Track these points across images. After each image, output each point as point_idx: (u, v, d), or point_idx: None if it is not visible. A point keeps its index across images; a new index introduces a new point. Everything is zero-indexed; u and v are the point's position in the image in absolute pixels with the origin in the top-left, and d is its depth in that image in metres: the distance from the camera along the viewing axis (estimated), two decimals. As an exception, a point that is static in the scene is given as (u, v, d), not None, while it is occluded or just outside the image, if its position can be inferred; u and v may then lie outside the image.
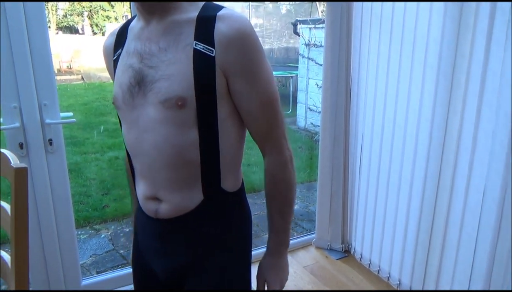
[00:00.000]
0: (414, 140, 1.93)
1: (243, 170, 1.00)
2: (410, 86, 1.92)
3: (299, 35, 6.39)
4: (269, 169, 0.93)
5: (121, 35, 0.94)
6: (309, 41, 6.08)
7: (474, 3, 1.58)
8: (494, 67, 1.55)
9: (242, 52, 0.80)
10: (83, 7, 15.57)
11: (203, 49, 0.79)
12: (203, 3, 0.85)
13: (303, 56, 6.25)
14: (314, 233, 2.63)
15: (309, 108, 6.22)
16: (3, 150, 1.04)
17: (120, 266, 2.64)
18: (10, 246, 0.97)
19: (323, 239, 2.58)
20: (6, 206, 1.04)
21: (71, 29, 15.72)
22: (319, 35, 5.82)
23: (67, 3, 15.18)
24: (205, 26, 0.80)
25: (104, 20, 16.03)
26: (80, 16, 15.97)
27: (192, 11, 0.83)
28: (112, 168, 4.58)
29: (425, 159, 1.88)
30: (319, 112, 2.51)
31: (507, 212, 1.57)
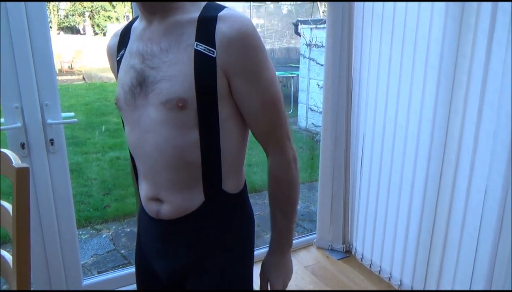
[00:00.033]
0: (415, 140, 1.93)
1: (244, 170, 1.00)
2: (412, 86, 1.91)
3: (300, 36, 6.38)
4: (272, 169, 0.92)
5: (124, 36, 0.94)
6: (310, 42, 6.08)
7: (475, 3, 1.58)
8: (495, 67, 1.55)
9: (243, 52, 0.79)
10: (85, 7, 15.60)
11: (204, 50, 0.79)
12: (205, 3, 0.85)
13: (304, 57, 6.24)
14: (315, 233, 2.63)
15: (310, 108, 6.22)
16: (4, 150, 1.04)
17: (121, 266, 2.64)
18: (11, 246, 0.97)
19: (324, 239, 2.57)
20: (8, 206, 1.04)
21: (73, 30, 15.75)
22: (320, 35, 5.82)
23: (69, 3, 15.21)
24: (206, 27, 0.80)
25: (106, 20, 16.06)
26: (81, 17, 15.99)
27: (194, 11, 0.83)
28: (113, 168, 4.58)
29: (427, 158, 1.88)
30: (320, 112, 2.51)
31: (508, 212, 1.57)
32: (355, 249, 2.48)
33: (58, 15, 15.28)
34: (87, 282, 2.05)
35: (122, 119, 0.95)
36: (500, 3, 1.49)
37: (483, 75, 1.58)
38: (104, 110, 6.93)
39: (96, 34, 15.94)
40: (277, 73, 0.91)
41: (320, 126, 2.52)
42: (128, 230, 3.21)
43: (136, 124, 0.88)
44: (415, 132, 1.92)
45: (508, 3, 1.47)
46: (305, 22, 6.36)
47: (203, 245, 0.92)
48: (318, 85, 5.90)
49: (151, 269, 1.00)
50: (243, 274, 0.97)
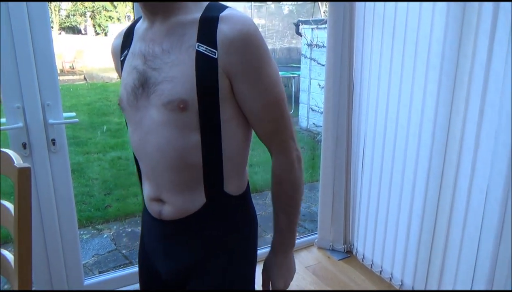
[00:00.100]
0: (416, 140, 1.93)
1: (245, 170, 0.99)
2: (413, 86, 1.91)
3: (301, 36, 6.38)
4: (275, 169, 0.92)
5: (128, 36, 0.94)
6: (311, 42, 6.08)
7: (477, 3, 1.58)
8: (497, 67, 1.54)
9: (245, 53, 0.78)
10: (86, 7, 15.62)
11: (205, 51, 0.79)
12: (207, 3, 0.84)
13: (305, 57, 6.24)
14: (316, 233, 2.63)
15: (311, 108, 6.22)
16: (6, 150, 1.05)
17: (122, 266, 2.64)
18: (13, 246, 0.98)
19: (325, 240, 2.57)
20: (10, 206, 1.04)
21: (74, 30, 15.77)
22: (321, 35, 5.82)
23: (70, 3, 15.23)
24: (208, 28, 0.79)
25: (107, 20, 16.08)
26: (82, 17, 16.01)
27: (196, 12, 0.82)
28: (115, 168, 4.59)
29: (428, 159, 1.88)
30: (321, 112, 2.51)
31: (509, 212, 1.57)
32: (356, 249, 2.48)
33: (60, 15, 15.30)
34: (88, 282, 2.05)
35: (125, 120, 0.95)
36: (502, 3, 1.49)
37: (485, 75, 1.58)
38: (105, 110, 6.94)
39: (97, 34, 15.96)
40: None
41: (321, 126, 2.52)
42: (129, 230, 3.22)
43: (138, 125, 0.88)
44: (416, 132, 1.92)
45: (510, 3, 1.47)
46: (306, 22, 6.36)
47: (204, 246, 0.92)
48: (319, 85, 5.90)
49: (154, 270, 1.00)
50: (244, 275, 0.97)
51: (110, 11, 16.15)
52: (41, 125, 1.73)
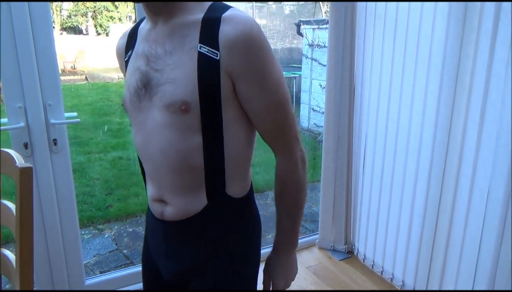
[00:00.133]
0: (417, 140, 1.93)
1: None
2: (414, 86, 1.91)
3: (302, 36, 6.38)
4: (279, 170, 0.92)
5: (132, 36, 0.94)
6: (313, 42, 6.07)
7: (478, 3, 1.58)
8: (498, 67, 1.54)
9: (247, 55, 0.77)
10: (87, 7, 15.63)
11: (207, 52, 0.78)
12: (210, 3, 0.83)
13: (307, 57, 6.24)
14: (317, 233, 2.63)
15: (313, 108, 6.21)
16: (8, 150, 1.05)
17: (123, 266, 2.65)
18: (14, 245, 0.98)
19: (326, 240, 2.57)
20: (11, 206, 1.04)
21: (75, 30, 15.78)
22: (323, 35, 5.82)
23: (71, 3, 15.24)
24: (210, 29, 0.78)
25: (108, 20, 16.09)
26: (84, 17, 16.03)
27: (198, 12, 0.82)
28: (116, 168, 4.59)
29: (429, 159, 1.88)
30: (323, 113, 2.51)
31: (510, 212, 1.56)
32: (357, 249, 2.48)
33: (61, 15, 15.32)
34: (90, 281, 2.05)
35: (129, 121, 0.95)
36: (504, 3, 1.49)
37: (486, 76, 1.58)
38: (106, 110, 6.95)
39: (98, 34, 15.97)
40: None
41: (322, 126, 2.52)
42: (131, 230, 3.22)
43: (141, 126, 0.88)
44: (418, 133, 1.92)
45: (511, 3, 1.47)
46: (307, 22, 6.36)
47: (206, 247, 0.92)
48: (321, 86, 5.89)
49: (156, 269, 1.00)
50: (246, 276, 0.97)
51: (112, 11, 16.17)
52: (43, 125, 1.73)
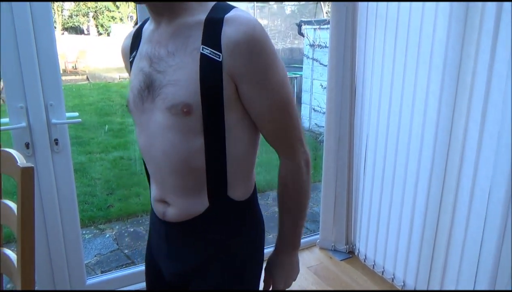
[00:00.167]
0: (419, 140, 1.92)
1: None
2: (415, 86, 1.91)
3: (303, 36, 6.37)
4: (281, 172, 0.91)
5: (137, 37, 0.94)
6: (314, 42, 6.07)
7: (479, 3, 1.58)
8: (499, 67, 1.54)
9: (249, 56, 0.76)
10: (89, 7, 15.65)
11: (210, 54, 0.77)
12: (213, 3, 0.82)
13: (308, 57, 6.23)
14: (318, 233, 2.63)
15: (314, 109, 6.21)
16: (9, 150, 1.05)
17: (124, 266, 2.65)
18: (16, 245, 0.98)
19: (327, 240, 2.57)
20: (13, 205, 1.04)
21: (77, 30, 15.80)
22: (324, 36, 5.81)
23: (73, 3, 15.26)
24: (212, 30, 0.77)
25: (109, 20, 16.10)
26: (85, 17, 16.05)
27: (201, 13, 0.81)
28: (117, 168, 4.60)
29: (430, 159, 1.88)
30: (324, 113, 2.51)
31: (512, 214, 1.56)
32: (358, 249, 2.47)
33: (63, 15, 15.33)
34: (91, 281, 2.06)
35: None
36: (505, 3, 1.49)
37: (488, 76, 1.58)
38: (107, 110, 6.95)
39: (100, 34, 15.98)
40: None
41: (323, 127, 2.51)
42: (132, 229, 3.22)
43: (144, 128, 0.88)
44: (419, 133, 1.92)
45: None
46: (308, 22, 6.35)
47: (207, 249, 0.91)
48: (322, 86, 5.89)
49: (158, 269, 1.01)
50: (247, 280, 0.96)
51: (113, 11, 16.18)
52: (44, 125, 1.73)
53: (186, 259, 0.93)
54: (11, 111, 1.67)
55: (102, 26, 16.21)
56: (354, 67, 2.29)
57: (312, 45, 6.11)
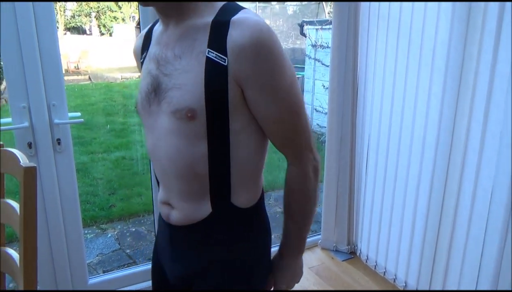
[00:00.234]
0: (421, 141, 1.92)
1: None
2: (418, 87, 1.91)
3: (305, 36, 6.37)
4: (288, 178, 0.90)
5: (147, 38, 0.94)
6: (316, 42, 6.06)
7: (482, 4, 1.58)
8: (502, 68, 1.54)
9: (255, 60, 0.74)
10: (91, 8, 15.67)
11: (215, 57, 0.75)
12: (222, 4, 0.80)
13: (310, 57, 6.23)
14: (320, 234, 2.63)
15: (316, 109, 6.20)
16: (12, 149, 1.05)
17: (126, 266, 2.65)
18: (18, 245, 0.98)
19: (329, 240, 2.57)
20: (15, 205, 1.05)
21: (79, 30, 15.81)
22: (326, 36, 5.81)
23: (75, 3, 15.29)
24: (218, 33, 0.75)
25: (112, 21, 16.12)
26: (87, 17, 16.07)
27: (209, 15, 0.79)
28: (119, 167, 4.60)
29: (432, 160, 1.87)
30: (326, 113, 2.51)
31: (515, 214, 1.56)
32: (360, 250, 2.47)
33: (65, 16, 15.36)
34: (93, 281, 2.06)
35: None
36: (508, 3, 1.49)
37: (490, 76, 1.58)
38: (110, 110, 6.96)
39: (102, 34, 16.00)
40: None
41: (325, 127, 2.51)
42: (133, 229, 3.23)
43: (150, 130, 0.88)
44: (421, 133, 1.91)
45: (515, 4, 1.46)
46: (310, 23, 6.35)
47: (209, 254, 0.91)
48: (324, 86, 5.88)
49: (163, 271, 1.01)
50: (254, 285, 0.95)
51: (115, 11, 16.20)
52: (47, 125, 1.73)
53: (189, 262, 0.92)
54: (13, 111, 1.67)
55: (104, 26, 16.23)
56: (356, 68, 2.29)
57: (314, 46, 6.11)
